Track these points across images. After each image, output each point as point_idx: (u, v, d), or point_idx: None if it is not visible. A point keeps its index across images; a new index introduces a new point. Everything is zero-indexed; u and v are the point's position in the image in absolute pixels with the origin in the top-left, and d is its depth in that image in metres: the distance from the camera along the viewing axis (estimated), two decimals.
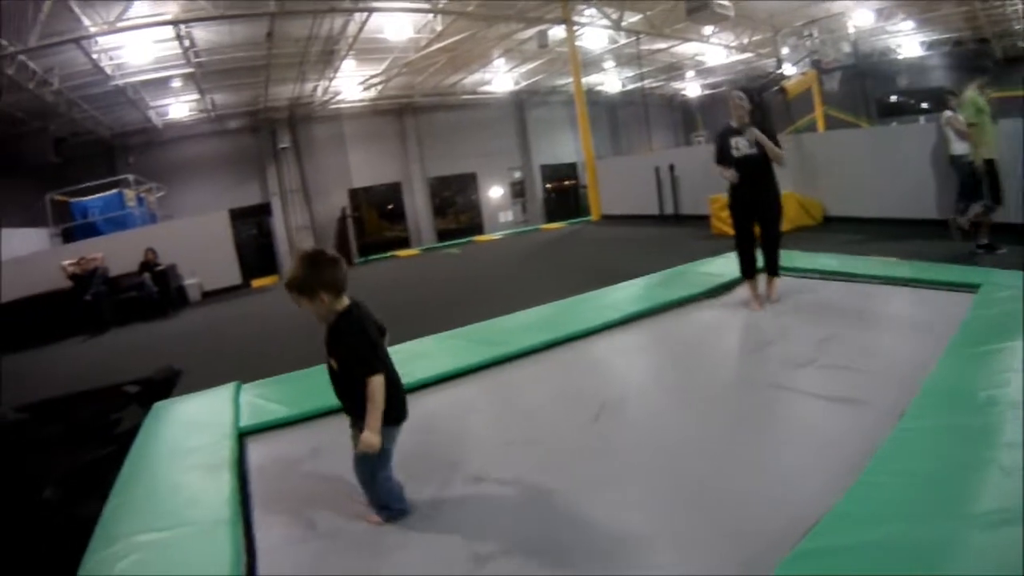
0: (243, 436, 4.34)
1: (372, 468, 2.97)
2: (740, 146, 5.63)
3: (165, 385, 6.34)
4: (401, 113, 24.82)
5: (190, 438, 4.31)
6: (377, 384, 2.77)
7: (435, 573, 2.63)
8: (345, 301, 2.88)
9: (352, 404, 2.96)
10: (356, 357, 2.80)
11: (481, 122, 26.01)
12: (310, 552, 2.92)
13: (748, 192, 5.73)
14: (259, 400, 4.89)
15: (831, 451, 3.09)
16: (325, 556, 2.87)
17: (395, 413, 2.94)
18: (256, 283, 14.88)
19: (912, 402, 3.28)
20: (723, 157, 5.77)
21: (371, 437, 2.75)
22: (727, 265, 6.94)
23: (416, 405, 4.38)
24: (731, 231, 9.96)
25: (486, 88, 25.18)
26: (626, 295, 6.49)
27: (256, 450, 4.16)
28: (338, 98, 22.48)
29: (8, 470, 4.81)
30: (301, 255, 2.87)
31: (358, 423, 2.91)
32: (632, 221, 14.37)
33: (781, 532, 2.44)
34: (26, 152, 17.81)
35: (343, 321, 2.86)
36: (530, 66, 23.12)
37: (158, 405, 5.22)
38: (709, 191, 11.19)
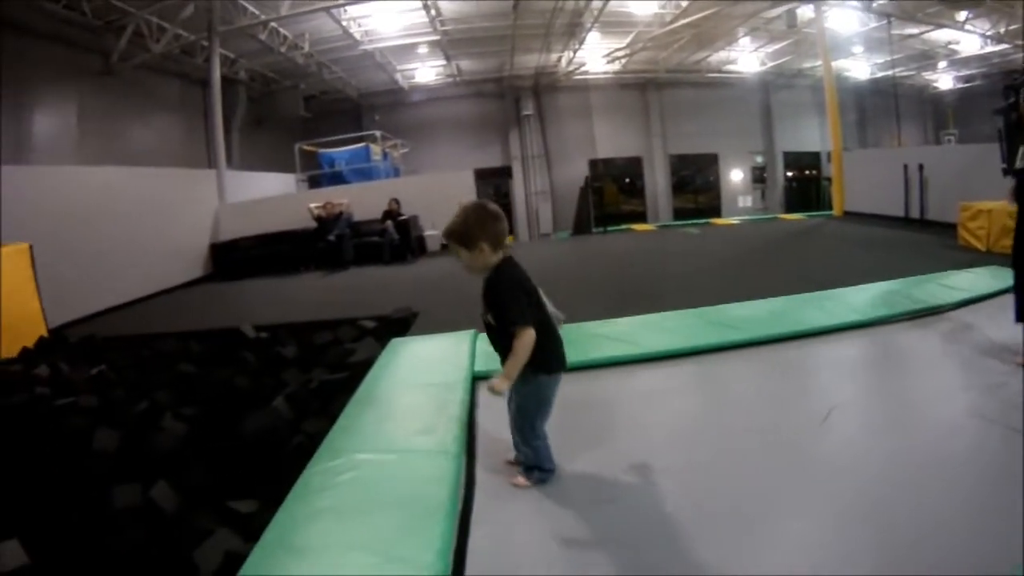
0: (476, 379, 4.54)
1: (532, 420, 3.11)
2: None
3: (401, 324, 6.74)
4: (644, 88, 24.77)
5: (425, 374, 4.60)
6: (525, 337, 2.83)
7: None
8: (501, 255, 2.97)
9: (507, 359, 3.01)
10: (509, 307, 2.87)
11: (724, 102, 25.21)
12: (524, 495, 3.11)
13: None
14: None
15: None
16: (537, 500, 3.05)
17: (553, 363, 3.06)
18: None
19: None
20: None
21: (501, 383, 2.83)
22: (973, 280, 6.33)
23: (636, 379, 4.53)
24: (979, 244, 8.85)
25: (731, 67, 24.54)
26: (865, 298, 5.96)
27: (487, 393, 4.23)
28: (582, 69, 22.80)
29: (241, 379, 5.27)
30: (465, 207, 2.97)
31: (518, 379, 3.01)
32: (875, 221, 13.31)
33: None
34: (278, 107, 20.10)
35: (499, 273, 2.96)
36: (776, 46, 22.31)
37: (395, 341, 5.64)
38: (960, 196, 10.10)
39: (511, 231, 17.47)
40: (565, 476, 3.22)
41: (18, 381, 6.09)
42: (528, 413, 3.11)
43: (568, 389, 3.90)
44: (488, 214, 2.92)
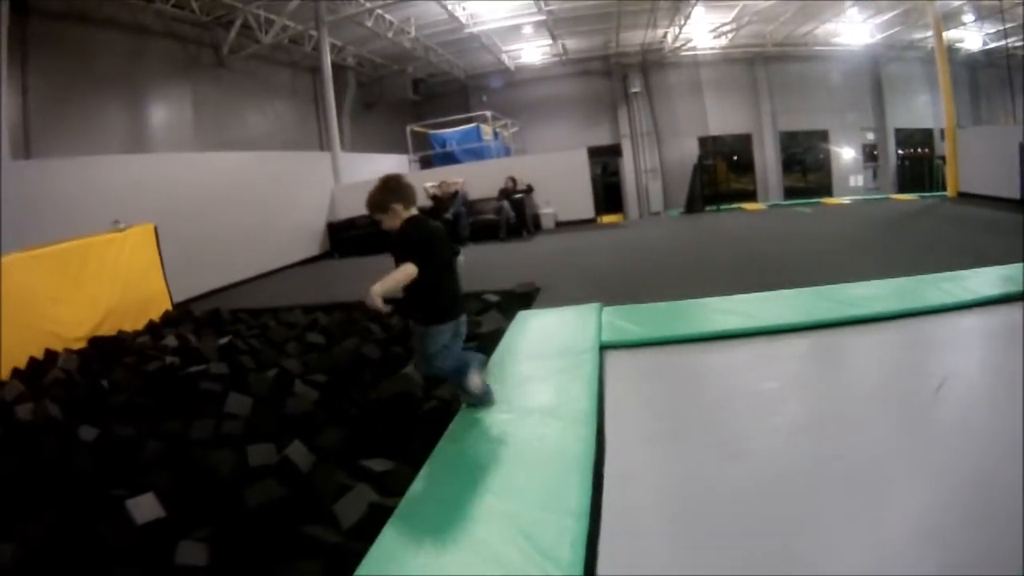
0: (603, 349, 4.76)
1: (432, 361, 3.72)
2: None
3: (525, 298, 6.88)
4: (752, 63, 24.17)
5: (555, 344, 4.87)
6: (402, 269, 3.42)
7: None
8: (413, 211, 3.67)
9: (409, 303, 3.70)
10: (403, 250, 3.50)
11: (834, 77, 24.26)
12: (653, 455, 3.27)
13: None
14: (618, 321, 5.30)
15: None
16: (665, 456, 3.23)
17: (439, 316, 3.66)
18: (603, 219, 15.48)
19: None
20: None
21: (374, 288, 3.35)
22: None
23: (754, 350, 4.65)
24: None
25: (838, 40, 23.49)
26: (982, 281, 5.63)
27: (613, 362, 4.56)
28: (689, 45, 22.60)
29: (369, 349, 5.38)
30: (379, 180, 3.67)
31: (415, 323, 3.78)
32: (990, 203, 12.42)
33: None
34: (387, 90, 20.77)
35: (407, 224, 3.62)
36: (885, 17, 21.15)
37: (522, 313, 5.90)
38: None
39: (621, 209, 17.61)
40: (689, 433, 3.42)
41: (149, 351, 6.40)
42: (429, 356, 3.69)
43: (693, 359, 4.57)
44: (396, 183, 3.62)
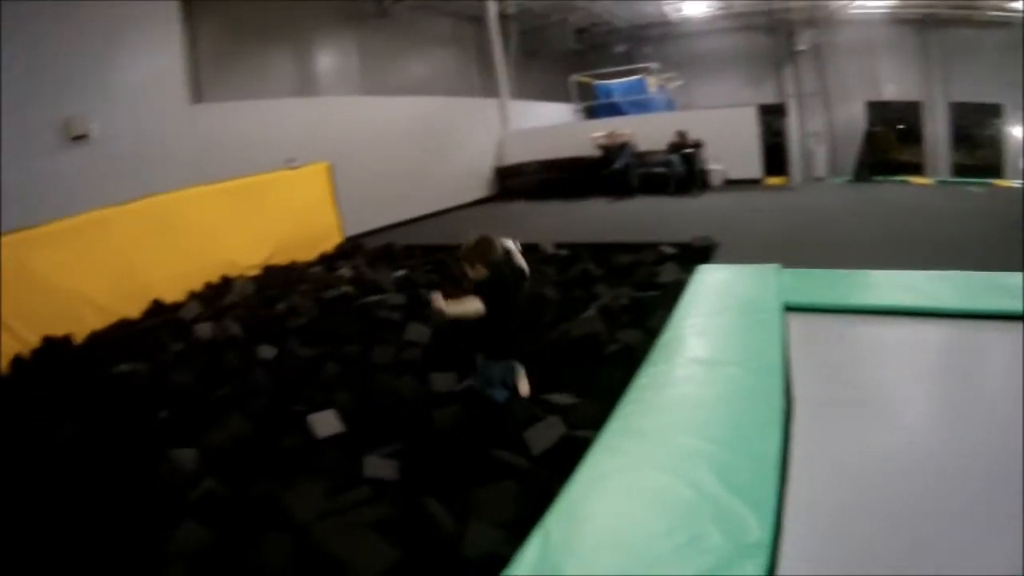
0: (788, 311, 4.65)
1: (484, 383, 4.12)
2: None
3: (701, 252, 6.80)
4: (924, 25, 22.47)
5: (738, 300, 4.84)
6: (473, 304, 3.86)
7: None
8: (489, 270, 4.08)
9: (482, 343, 4.13)
10: (479, 289, 3.93)
11: (1011, 45, 21.36)
12: (834, 417, 3.26)
13: None
14: (798, 284, 5.18)
15: None
16: (844, 424, 3.20)
17: (499, 354, 4.10)
18: (768, 181, 15.16)
19: None
20: None
21: (443, 303, 3.83)
22: None
23: (917, 329, 4.46)
24: None
25: (1017, 5, 20.72)
26: None
27: (797, 324, 4.47)
28: (857, 3, 21.38)
29: (549, 291, 5.55)
30: (476, 240, 4.12)
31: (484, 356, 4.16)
32: None
33: None
34: (549, 39, 20.70)
35: (482, 283, 4.01)
36: None
37: (702, 267, 5.79)
38: None
39: (785, 171, 17.08)
40: (865, 402, 3.38)
41: (324, 280, 6.78)
42: (482, 378, 4.12)
43: (872, 330, 4.48)
44: (486, 246, 4.08)
